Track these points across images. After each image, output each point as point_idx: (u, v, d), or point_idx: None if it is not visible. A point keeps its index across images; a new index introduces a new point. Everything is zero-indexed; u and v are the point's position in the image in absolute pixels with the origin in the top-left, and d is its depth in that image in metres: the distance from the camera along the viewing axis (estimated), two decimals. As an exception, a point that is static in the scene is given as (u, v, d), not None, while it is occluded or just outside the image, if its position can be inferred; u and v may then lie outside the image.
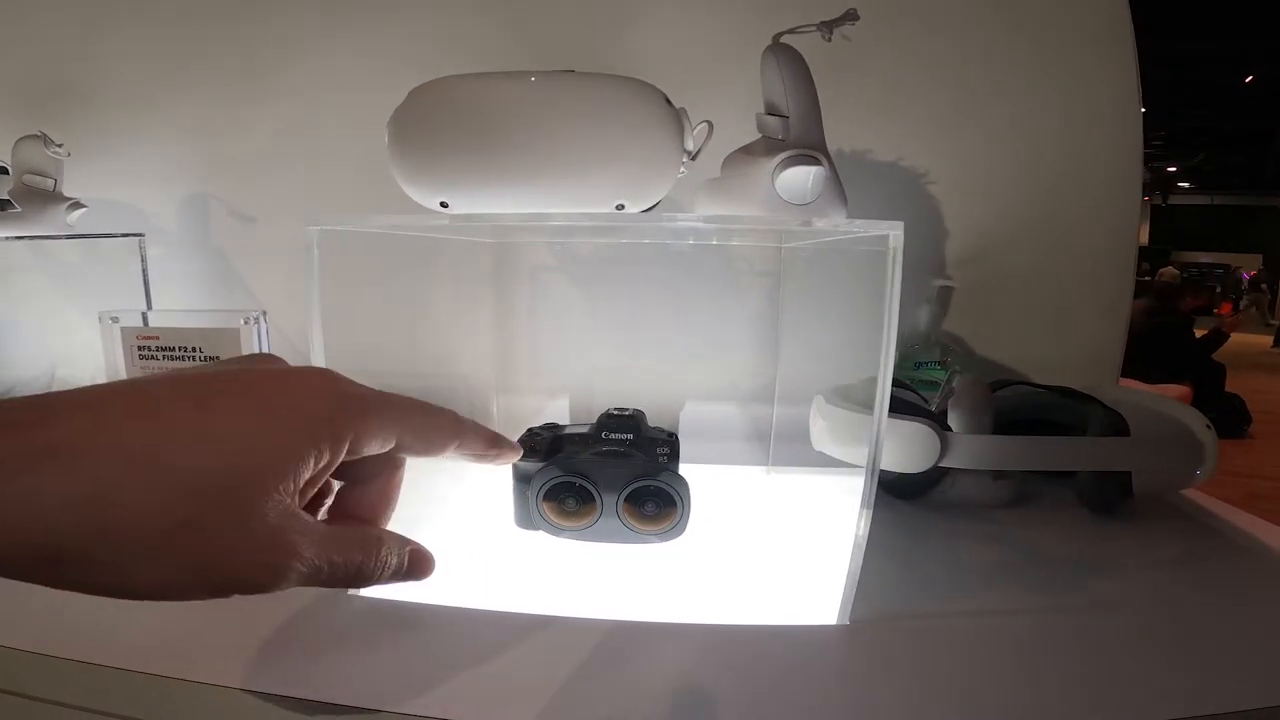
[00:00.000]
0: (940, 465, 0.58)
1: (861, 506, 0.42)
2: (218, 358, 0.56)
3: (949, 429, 0.60)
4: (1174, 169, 11.00)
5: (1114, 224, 0.80)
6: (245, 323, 0.55)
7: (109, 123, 0.90)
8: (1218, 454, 0.61)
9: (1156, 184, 11.52)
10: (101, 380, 0.34)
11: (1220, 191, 12.30)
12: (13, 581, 0.19)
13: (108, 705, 0.40)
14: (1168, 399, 0.67)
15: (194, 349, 0.56)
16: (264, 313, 0.56)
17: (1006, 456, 0.60)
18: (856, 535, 0.42)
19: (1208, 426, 0.61)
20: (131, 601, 0.20)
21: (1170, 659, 0.42)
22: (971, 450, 0.58)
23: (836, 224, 0.44)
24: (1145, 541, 0.59)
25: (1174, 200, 12.49)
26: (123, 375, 0.57)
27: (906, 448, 0.57)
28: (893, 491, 0.65)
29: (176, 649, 0.41)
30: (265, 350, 0.56)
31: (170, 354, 0.57)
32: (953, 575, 0.53)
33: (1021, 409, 0.68)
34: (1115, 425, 0.60)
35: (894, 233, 0.39)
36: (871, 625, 0.45)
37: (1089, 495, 0.64)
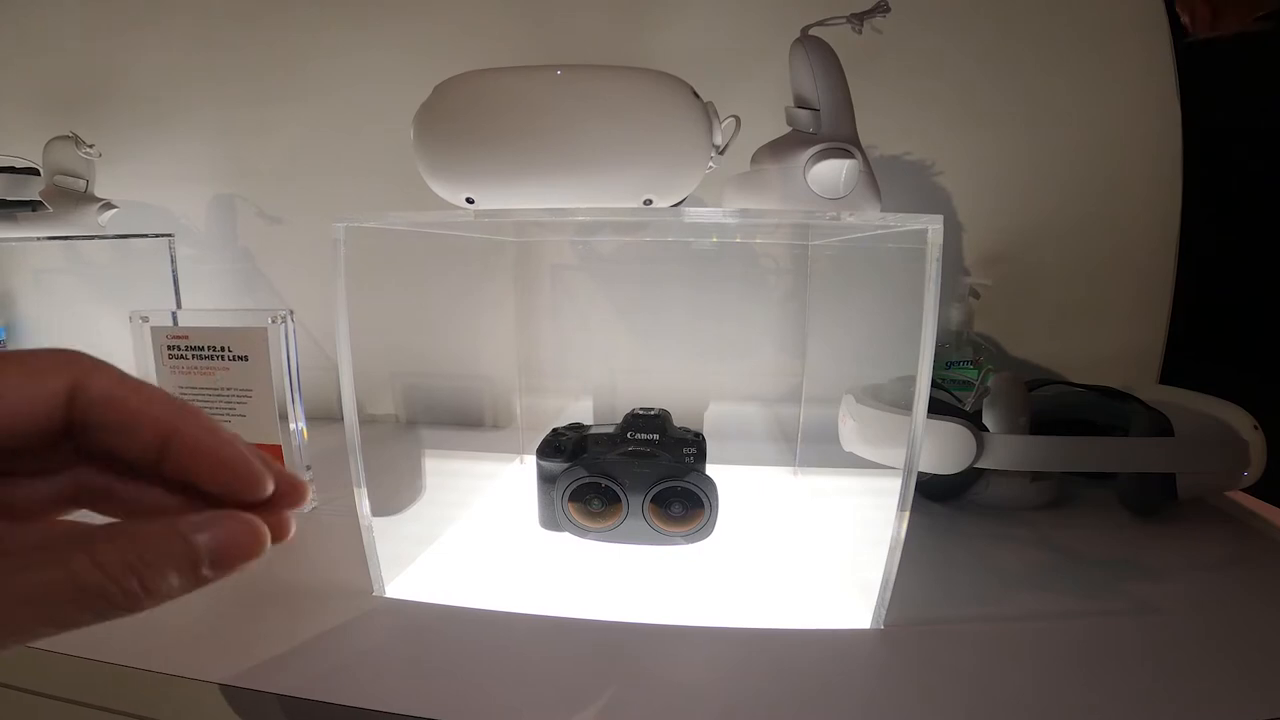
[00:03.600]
0: (976, 466, 0.56)
1: (899, 508, 0.41)
2: (247, 358, 0.56)
3: (985, 429, 0.58)
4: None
5: (1154, 220, 0.78)
6: (273, 322, 0.55)
7: (139, 124, 0.91)
8: (1265, 455, 0.58)
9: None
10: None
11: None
12: None
13: (106, 701, 0.40)
14: (1210, 398, 0.64)
15: (223, 348, 0.56)
16: (291, 312, 0.56)
17: (1047, 458, 0.58)
18: (893, 537, 0.41)
19: (1255, 427, 0.59)
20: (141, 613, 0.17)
21: (1215, 665, 0.40)
22: (1009, 451, 0.57)
23: (870, 219, 0.42)
24: (1189, 544, 0.57)
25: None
26: (152, 374, 0.58)
27: (941, 448, 0.56)
28: (926, 493, 0.64)
29: (209, 652, 0.41)
30: (293, 349, 0.57)
31: (199, 353, 0.57)
32: (989, 579, 0.51)
33: (1060, 409, 0.66)
34: (1159, 425, 0.58)
35: (933, 227, 0.38)
36: (906, 630, 0.43)
37: (1131, 497, 0.62)
